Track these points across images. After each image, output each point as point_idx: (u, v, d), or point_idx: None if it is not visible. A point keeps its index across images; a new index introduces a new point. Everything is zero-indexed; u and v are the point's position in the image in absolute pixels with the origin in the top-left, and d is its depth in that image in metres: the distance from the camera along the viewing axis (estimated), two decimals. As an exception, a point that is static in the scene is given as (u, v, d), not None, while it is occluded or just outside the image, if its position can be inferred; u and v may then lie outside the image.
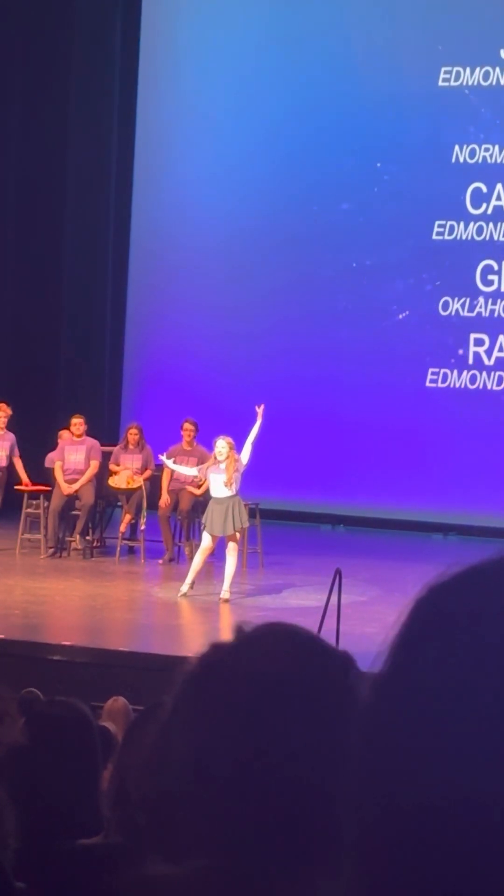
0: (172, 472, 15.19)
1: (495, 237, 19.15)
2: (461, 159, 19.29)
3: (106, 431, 18.42)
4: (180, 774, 1.49)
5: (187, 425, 15.68)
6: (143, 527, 15.81)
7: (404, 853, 1.05)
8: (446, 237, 19.37)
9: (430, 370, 19.40)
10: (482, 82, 19.22)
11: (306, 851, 1.44)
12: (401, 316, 19.64)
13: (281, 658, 1.52)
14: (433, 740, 1.05)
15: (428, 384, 19.42)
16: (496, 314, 19.14)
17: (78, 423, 16.02)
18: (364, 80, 19.57)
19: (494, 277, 19.13)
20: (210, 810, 1.47)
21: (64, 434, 16.34)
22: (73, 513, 15.85)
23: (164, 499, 15.44)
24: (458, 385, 19.27)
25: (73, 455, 15.91)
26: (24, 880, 2.27)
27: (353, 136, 19.79)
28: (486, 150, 19.16)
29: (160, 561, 15.45)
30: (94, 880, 1.93)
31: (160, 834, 1.51)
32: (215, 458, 13.38)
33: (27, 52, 19.51)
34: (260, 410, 13.68)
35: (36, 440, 17.07)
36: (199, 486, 14.86)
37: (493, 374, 19.10)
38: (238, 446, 13.37)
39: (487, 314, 19.14)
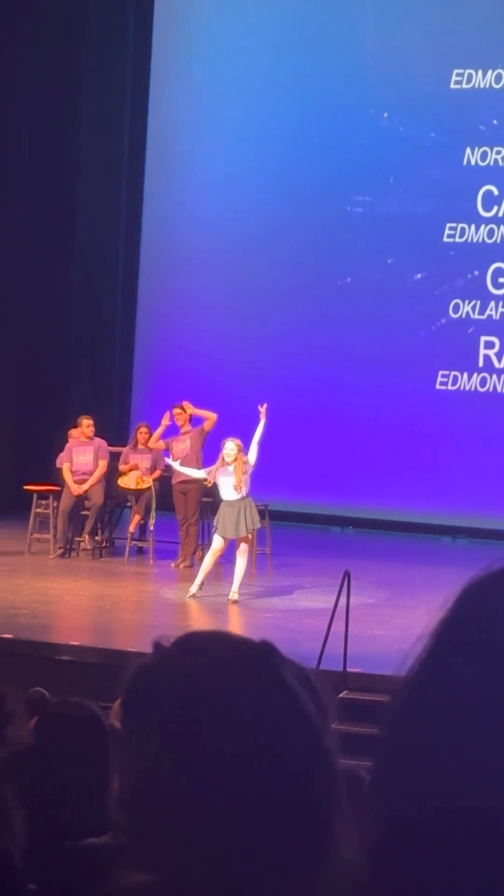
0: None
1: (507, 240, 19.15)
2: (473, 162, 19.28)
3: (116, 431, 18.44)
4: (139, 788, 1.50)
5: (176, 410, 15.67)
6: (152, 527, 15.81)
7: (428, 851, 1.05)
8: (457, 240, 19.36)
9: (441, 373, 19.39)
10: (494, 85, 19.21)
11: (275, 851, 1.44)
12: (411, 318, 19.64)
13: (206, 660, 1.53)
14: (468, 733, 1.05)
15: (438, 387, 19.41)
16: (507, 317, 19.13)
17: (88, 424, 16.01)
18: (375, 81, 19.57)
19: (505, 280, 19.13)
20: (168, 822, 1.48)
21: (73, 433, 16.34)
22: (83, 513, 15.86)
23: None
24: (468, 388, 19.25)
25: (82, 456, 15.91)
26: (33, 880, 2.28)
27: (364, 137, 19.79)
28: (498, 152, 19.15)
29: (173, 563, 15.44)
30: (101, 880, 1.93)
31: (134, 843, 1.52)
32: (223, 459, 13.36)
33: (39, 47, 19.51)
34: (263, 410, 13.67)
35: (47, 441, 17.10)
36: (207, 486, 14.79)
37: (503, 376, 19.09)
38: (244, 448, 13.36)
39: (498, 317, 19.12)
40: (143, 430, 16.20)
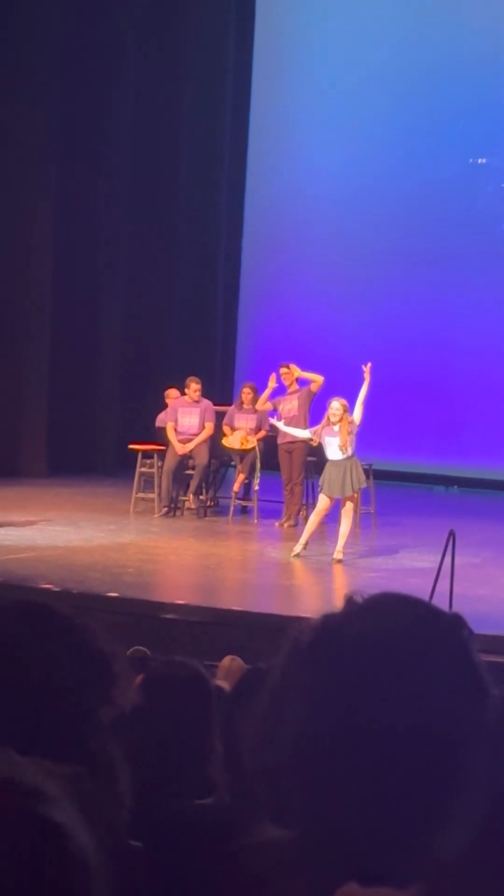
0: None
1: None
2: None
3: (219, 391, 18.48)
4: (294, 745, 1.49)
5: (283, 370, 15.58)
6: (256, 487, 15.82)
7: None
8: None
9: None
10: None
11: (416, 815, 1.44)
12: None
13: (394, 624, 1.51)
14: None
15: (545, 345, 19.25)
16: None
17: (196, 388, 15.96)
18: (490, 52, 19.36)
19: None
20: (322, 778, 1.47)
21: (171, 393, 16.35)
22: (187, 472, 15.90)
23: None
24: None
25: (188, 418, 15.89)
26: (139, 839, 2.29)
27: (472, 116, 19.61)
28: None
29: (277, 523, 15.44)
30: (207, 841, 1.94)
31: (274, 801, 1.51)
32: (329, 419, 13.32)
33: (141, 37, 19.54)
34: (367, 369, 13.58)
35: (151, 401, 17.19)
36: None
37: None
38: (349, 408, 13.30)
39: None
40: (248, 390, 16.18)
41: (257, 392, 16.03)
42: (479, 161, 19.85)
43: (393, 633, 1.51)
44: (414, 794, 1.45)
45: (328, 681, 1.49)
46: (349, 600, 1.56)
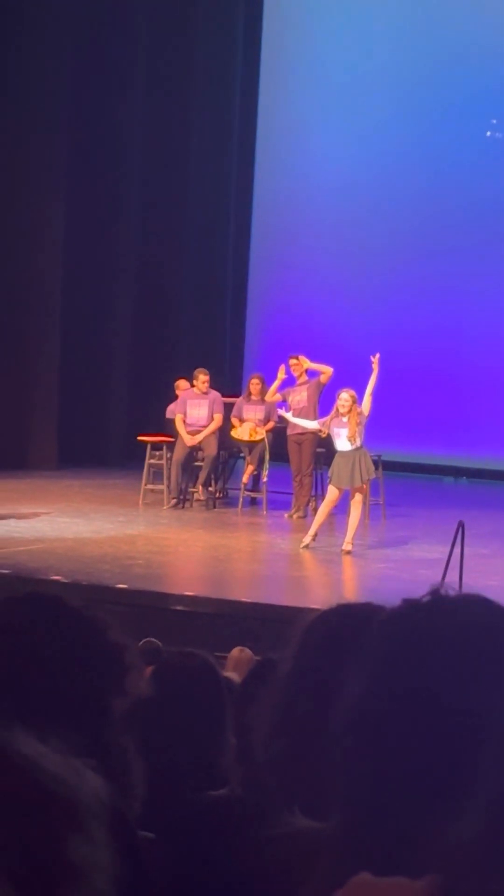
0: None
1: None
2: None
3: (228, 383, 18.48)
4: (348, 720, 1.50)
5: (292, 361, 15.55)
6: (265, 478, 15.83)
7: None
8: None
9: None
10: None
11: (446, 800, 1.45)
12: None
13: (475, 624, 1.52)
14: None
15: None
16: None
17: (204, 379, 15.95)
18: (500, 39, 19.33)
19: None
20: (363, 765, 1.48)
21: (181, 384, 16.35)
22: (196, 464, 15.91)
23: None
24: None
25: (196, 409, 15.89)
26: (152, 830, 2.29)
27: (478, 97, 19.57)
28: None
29: (287, 514, 15.44)
30: (221, 833, 1.95)
31: (294, 791, 1.52)
32: (338, 410, 13.32)
33: (151, 28, 19.52)
34: (375, 360, 13.58)
35: (160, 393, 17.20)
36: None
37: None
38: (358, 398, 13.31)
39: None
40: (256, 381, 16.17)
41: (265, 383, 16.02)
42: (490, 150, 19.82)
43: (471, 633, 1.52)
44: (437, 784, 1.46)
45: (396, 661, 1.50)
46: (436, 592, 1.56)
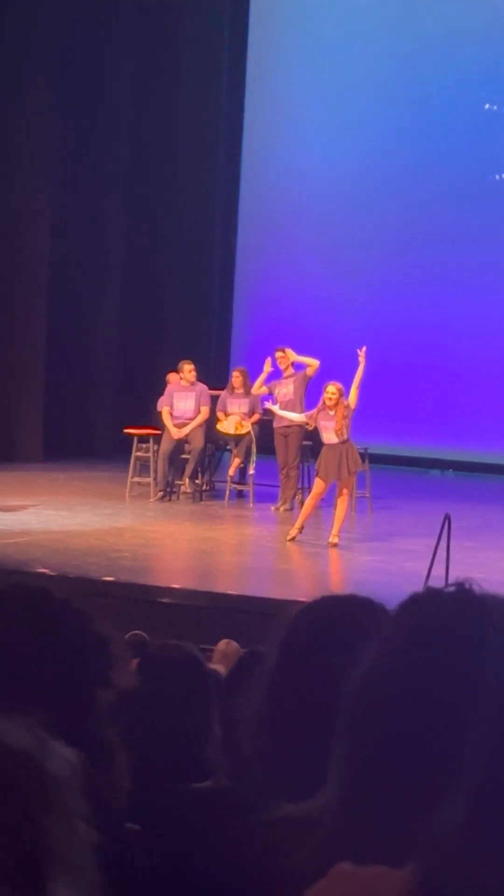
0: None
1: None
2: None
3: (214, 375, 18.47)
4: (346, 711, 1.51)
5: (278, 354, 15.54)
6: (252, 471, 15.84)
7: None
8: None
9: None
10: None
11: (430, 790, 1.45)
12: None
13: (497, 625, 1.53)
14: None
15: (542, 328, 19.25)
16: None
17: (190, 369, 15.96)
18: (490, 24, 19.32)
19: None
20: (356, 749, 1.49)
21: (172, 377, 16.34)
22: (183, 457, 15.91)
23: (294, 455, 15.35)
24: None
25: (183, 402, 15.89)
26: (137, 822, 2.30)
27: (469, 80, 19.57)
28: None
29: (273, 507, 15.45)
30: (207, 824, 1.95)
31: (280, 780, 1.53)
32: (324, 403, 13.33)
33: (138, 20, 19.50)
34: (361, 353, 13.59)
35: (147, 385, 17.20)
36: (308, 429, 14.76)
37: None
38: (345, 391, 13.32)
39: None
40: (238, 374, 16.16)
41: (248, 377, 16.02)
42: (480, 140, 19.82)
43: (493, 632, 1.53)
44: (423, 772, 1.47)
45: (409, 647, 1.51)
46: (461, 586, 1.57)
